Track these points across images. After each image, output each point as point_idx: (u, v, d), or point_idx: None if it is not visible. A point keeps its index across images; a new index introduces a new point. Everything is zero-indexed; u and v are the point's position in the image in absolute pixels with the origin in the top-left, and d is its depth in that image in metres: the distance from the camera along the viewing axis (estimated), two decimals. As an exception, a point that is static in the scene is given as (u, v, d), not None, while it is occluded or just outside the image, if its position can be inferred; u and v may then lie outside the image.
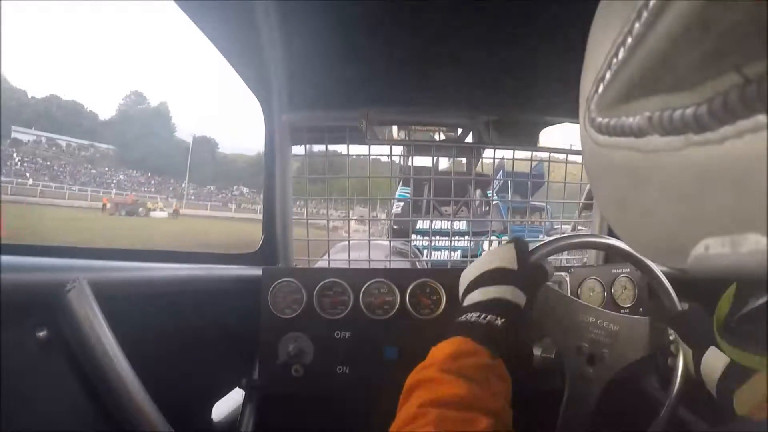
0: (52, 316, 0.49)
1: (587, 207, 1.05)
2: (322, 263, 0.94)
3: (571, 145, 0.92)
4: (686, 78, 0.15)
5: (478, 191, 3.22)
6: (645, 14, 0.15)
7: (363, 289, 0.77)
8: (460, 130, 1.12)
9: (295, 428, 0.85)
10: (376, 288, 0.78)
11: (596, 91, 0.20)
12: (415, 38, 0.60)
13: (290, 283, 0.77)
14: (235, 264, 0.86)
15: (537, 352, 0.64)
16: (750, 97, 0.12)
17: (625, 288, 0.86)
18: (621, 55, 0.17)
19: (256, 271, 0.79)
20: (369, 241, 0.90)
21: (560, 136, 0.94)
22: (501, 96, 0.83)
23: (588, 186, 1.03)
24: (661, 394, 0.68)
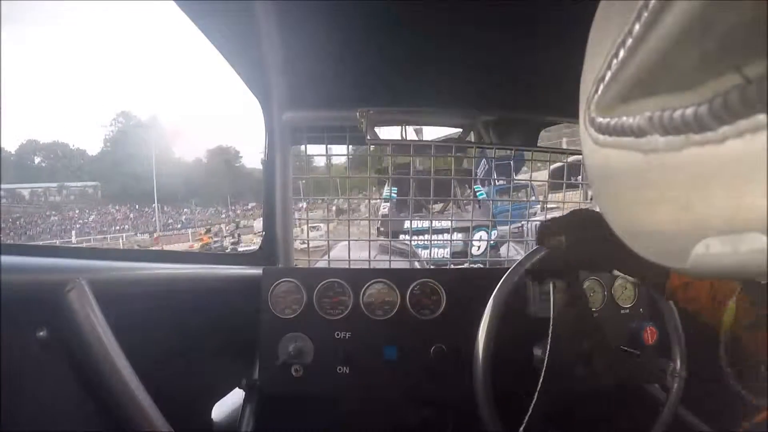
0: (52, 316, 0.49)
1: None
2: (322, 263, 0.94)
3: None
4: (686, 78, 0.15)
5: (468, 189, 3.24)
6: (645, 14, 0.15)
7: (363, 289, 0.77)
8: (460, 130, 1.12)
9: (295, 428, 0.85)
10: (376, 288, 0.78)
11: (596, 91, 0.20)
12: (414, 38, 0.60)
13: (290, 283, 0.77)
14: (235, 264, 0.86)
15: None
16: (750, 97, 0.12)
17: (625, 288, 0.86)
18: (621, 55, 0.17)
19: (256, 271, 0.79)
20: (369, 241, 0.90)
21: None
22: (501, 96, 0.83)
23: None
24: (661, 394, 0.68)
